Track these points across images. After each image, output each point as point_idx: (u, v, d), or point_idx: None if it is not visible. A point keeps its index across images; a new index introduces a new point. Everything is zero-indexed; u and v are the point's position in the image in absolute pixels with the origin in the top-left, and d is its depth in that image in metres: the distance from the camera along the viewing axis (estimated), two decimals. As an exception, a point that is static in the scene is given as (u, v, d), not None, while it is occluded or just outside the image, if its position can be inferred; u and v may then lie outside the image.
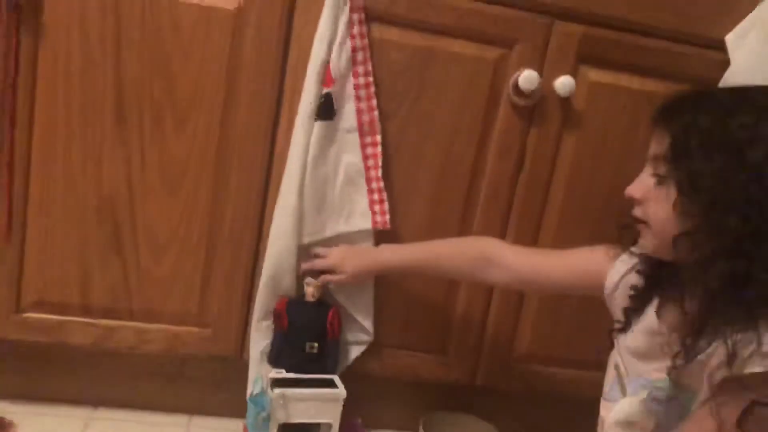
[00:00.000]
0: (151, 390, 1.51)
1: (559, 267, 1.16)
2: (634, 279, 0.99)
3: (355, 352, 1.47)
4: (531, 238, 1.48)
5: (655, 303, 0.94)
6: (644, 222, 0.92)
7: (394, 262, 1.35)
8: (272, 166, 1.37)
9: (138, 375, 1.50)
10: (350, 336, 1.46)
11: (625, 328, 0.98)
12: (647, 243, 0.93)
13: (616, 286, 1.03)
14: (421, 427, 1.51)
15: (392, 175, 1.41)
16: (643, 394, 0.90)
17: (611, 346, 1.00)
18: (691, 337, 0.82)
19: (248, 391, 1.41)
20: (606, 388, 0.99)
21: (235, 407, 1.45)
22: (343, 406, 1.35)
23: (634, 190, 0.93)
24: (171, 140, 1.32)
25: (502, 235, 1.46)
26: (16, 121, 1.27)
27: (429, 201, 1.44)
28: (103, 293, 1.37)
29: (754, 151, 0.79)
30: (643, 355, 0.92)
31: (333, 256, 1.35)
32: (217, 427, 1.50)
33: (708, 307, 0.81)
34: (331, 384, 1.36)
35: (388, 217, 1.39)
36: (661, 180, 0.88)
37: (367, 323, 1.44)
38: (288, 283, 1.38)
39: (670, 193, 0.86)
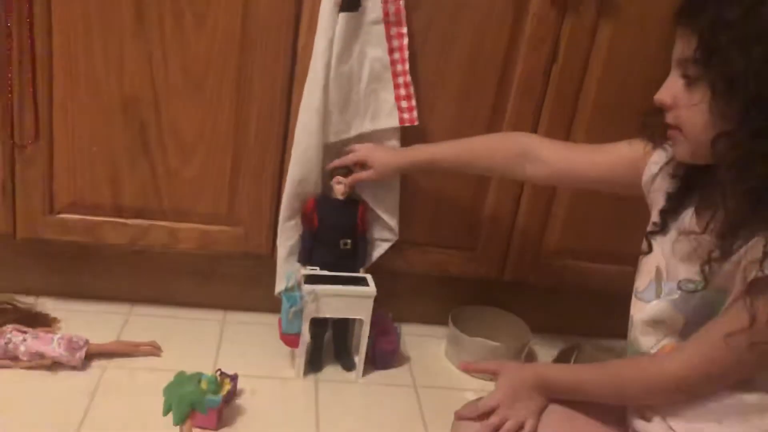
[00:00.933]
0: (187, 287, 1.56)
1: (597, 161, 1.12)
2: (669, 182, 0.96)
3: (379, 250, 1.48)
4: (563, 133, 1.44)
5: (691, 205, 0.92)
6: (677, 128, 0.86)
7: (424, 157, 1.32)
8: (296, 63, 1.34)
9: (173, 273, 1.54)
10: (376, 234, 1.47)
11: (663, 230, 0.95)
12: (682, 150, 0.88)
13: (653, 181, 1.00)
14: (450, 321, 1.54)
15: (419, 70, 1.36)
16: (675, 295, 0.89)
17: (648, 246, 0.97)
18: (727, 237, 0.80)
19: (276, 288, 1.44)
20: (639, 287, 0.97)
21: (269, 303, 1.49)
22: (375, 302, 1.38)
23: (664, 95, 0.86)
24: (191, 36, 1.29)
25: (533, 130, 1.42)
26: (34, 23, 1.24)
27: (458, 96, 1.40)
28: (134, 194, 1.39)
29: None
30: (683, 258, 0.90)
31: (362, 151, 1.35)
32: (252, 321, 1.55)
33: (746, 207, 0.78)
34: (362, 282, 1.38)
35: (415, 113, 1.36)
36: (691, 83, 0.82)
37: (393, 222, 1.44)
38: (314, 182, 1.38)
39: (703, 95, 0.80)
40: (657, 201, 0.97)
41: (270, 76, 1.33)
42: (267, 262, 1.47)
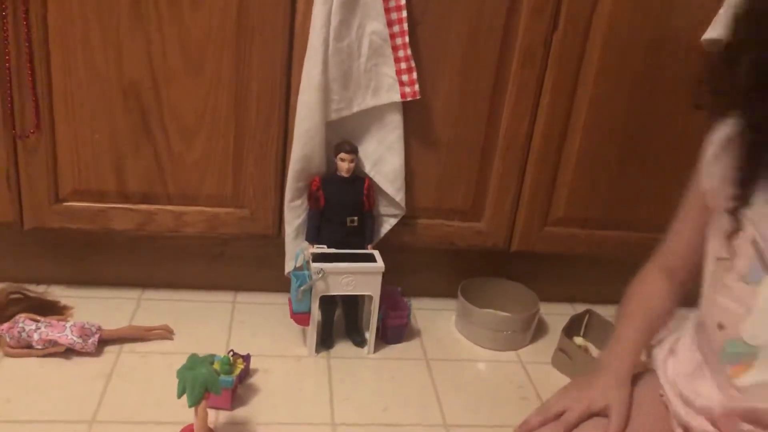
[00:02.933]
0: (196, 270, 1.57)
1: (695, 232, 0.97)
2: (737, 153, 0.85)
3: (386, 226, 1.48)
4: (567, 99, 1.43)
5: None
6: None
7: (631, 361, 1.01)
8: (294, 40, 1.32)
9: (182, 257, 1.55)
10: (382, 210, 1.46)
11: (745, 200, 0.83)
12: None
13: (715, 162, 0.90)
14: (459, 293, 1.55)
15: (419, 43, 1.35)
16: None
17: (737, 224, 0.84)
18: None
19: (286, 268, 1.45)
20: (741, 270, 0.84)
21: (279, 282, 1.50)
22: (384, 277, 1.38)
23: None
24: (188, 19, 1.28)
25: (536, 99, 1.42)
26: (29, 12, 1.23)
27: (459, 67, 1.38)
28: (139, 179, 1.39)
29: None
30: None
31: (584, 403, 0.91)
32: (263, 301, 1.56)
33: None
34: (370, 258, 1.39)
35: (417, 86, 1.35)
36: None
37: (399, 197, 1.44)
38: (318, 160, 1.37)
39: None
40: (727, 175, 0.87)
41: (269, 55, 1.32)
42: (275, 242, 1.48)
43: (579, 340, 1.52)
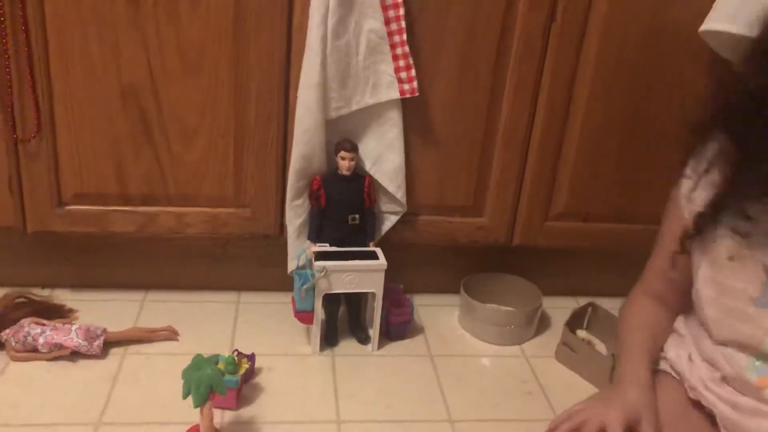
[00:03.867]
0: (199, 271, 1.57)
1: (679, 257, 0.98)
2: (718, 176, 0.88)
3: (388, 223, 1.48)
4: (566, 92, 1.43)
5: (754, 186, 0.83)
6: None
7: (647, 375, 0.98)
8: (292, 39, 1.32)
9: (185, 258, 1.55)
10: (383, 207, 1.47)
11: (743, 227, 0.85)
12: None
13: (691, 199, 0.92)
14: (462, 289, 1.55)
15: (417, 39, 1.35)
16: None
17: (734, 251, 0.86)
18: None
19: (288, 267, 1.45)
20: (749, 298, 0.84)
21: (282, 282, 1.50)
22: (386, 275, 1.38)
23: None
24: (185, 20, 1.28)
25: (535, 92, 1.42)
26: (27, 17, 1.23)
27: (458, 62, 1.38)
28: (139, 181, 1.39)
29: None
30: None
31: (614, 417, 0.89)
32: (266, 301, 1.56)
33: None
34: (372, 256, 1.39)
35: (416, 83, 1.35)
36: None
37: (400, 194, 1.44)
38: (318, 159, 1.38)
39: None
40: (714, 204, 0.89)
41: (267, 54, 1.32)
42: (277, 242, 1.48)
43: (582, 333, 1.52)
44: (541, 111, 1.44)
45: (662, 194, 1.55)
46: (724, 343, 0.88)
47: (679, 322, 1.01)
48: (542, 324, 1.59)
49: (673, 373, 0.98)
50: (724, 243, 0.86)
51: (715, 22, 1.38)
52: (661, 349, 1.01)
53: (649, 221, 1.53)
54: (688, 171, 0.95)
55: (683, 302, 1.00)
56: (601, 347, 1.50)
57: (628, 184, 1.53)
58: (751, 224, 0.84)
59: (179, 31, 1.29)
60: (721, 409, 0.87)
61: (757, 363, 0.85)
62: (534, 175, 1.49)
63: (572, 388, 1.39)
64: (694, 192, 0.93)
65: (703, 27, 1.39)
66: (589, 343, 1.48)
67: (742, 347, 0.86)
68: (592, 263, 1.66)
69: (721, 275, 0.87)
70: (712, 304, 0.88)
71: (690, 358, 0.95)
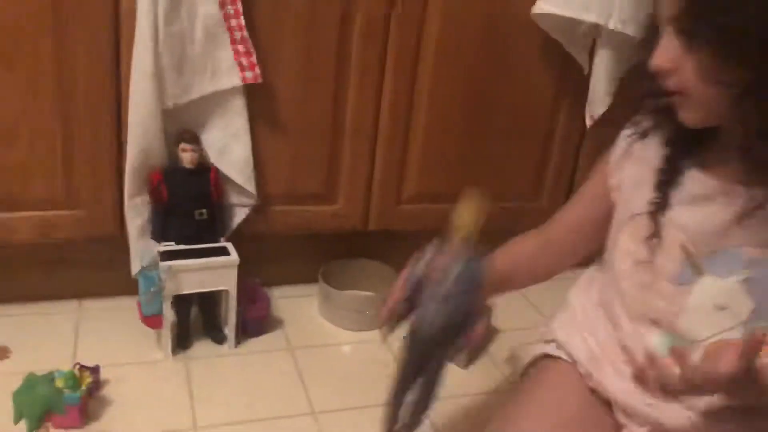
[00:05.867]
0: (32, 280, 1.44)
1: (586, 216, 1.01)
2: (654, 153, 0.88)
3: (240, 215, 1.43)
4: (410, 76, 1.44)
5: (694, 167, 0.83)
6: (682, 93, 0.76)
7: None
8: (120, 26, 1.23)
9: (16, 267, 1.42)
10: (233, 199, 1.41)
11: (663, 204, 0.85)
12: (691, 115, 0.77)
13: (621, 167, 0.92)
14: (320, 278, 1.53)
15: (257, 24, 1.30)
16: (742, 274, 0.78)
17: (656, 228, 0.85)
18: None
19: (132, 270, 1.37)
20: (669, 273, 0.85)
21: (127, 285, 1.41)
22: (242, 269, 1.33)
23: (661, 59, 0.75)
24: (-6, 5, 1.16)
25: (379, 78, 1.42)
26: None
27: (300, 46, 1.35)
28: (-47, 187, 1.25)
29: None
30: (713, 227, 0.80)
31: None
32: (110, 307, 1.46)
33: None
34: (223, 252, 1.33)
35: (258, 69, 1.30)
36: (690, 42, 0.72)
37: (249, 186, 1.39)
38: (158, 152, 1.30)
39: (707, 53, 0.70)
40: (641, 178, 0.89)
41: (94, 43, 1.23)
42: (118, 243, 1.38)
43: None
44: (386, 97, 1.44)
45: (507, 172, 1.62)
46: (637, 318, 0.88)
47: (589, 301, 1.00)
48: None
49: (565, 356, 0.98)
50: (644, 218, 0.87)
51: (546, 3, 1.45)
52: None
53: (500, 199, 1.59)
54: (622, 137, 0.94)
55: (564, 260, 1.04)
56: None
57: (475, 165, 1.58)
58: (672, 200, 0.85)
59: (-13, 17, 1.16)
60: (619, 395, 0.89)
61: (669, 342, 0.84)
62: (384, 160, 1.50)
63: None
64: (624, 159, 0.92)
65: (535, 9, 1.46)
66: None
67: (656, 323, 0.86)
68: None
69: (640, 251, 0.87)
70: (629, 277, 0.89)
71: (596, 343, 0.95)
